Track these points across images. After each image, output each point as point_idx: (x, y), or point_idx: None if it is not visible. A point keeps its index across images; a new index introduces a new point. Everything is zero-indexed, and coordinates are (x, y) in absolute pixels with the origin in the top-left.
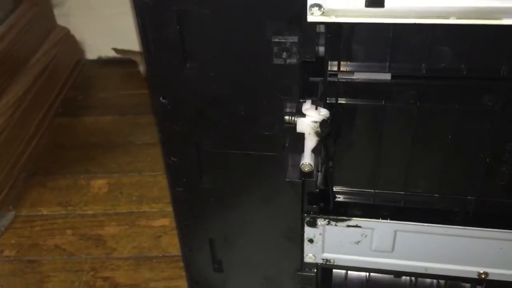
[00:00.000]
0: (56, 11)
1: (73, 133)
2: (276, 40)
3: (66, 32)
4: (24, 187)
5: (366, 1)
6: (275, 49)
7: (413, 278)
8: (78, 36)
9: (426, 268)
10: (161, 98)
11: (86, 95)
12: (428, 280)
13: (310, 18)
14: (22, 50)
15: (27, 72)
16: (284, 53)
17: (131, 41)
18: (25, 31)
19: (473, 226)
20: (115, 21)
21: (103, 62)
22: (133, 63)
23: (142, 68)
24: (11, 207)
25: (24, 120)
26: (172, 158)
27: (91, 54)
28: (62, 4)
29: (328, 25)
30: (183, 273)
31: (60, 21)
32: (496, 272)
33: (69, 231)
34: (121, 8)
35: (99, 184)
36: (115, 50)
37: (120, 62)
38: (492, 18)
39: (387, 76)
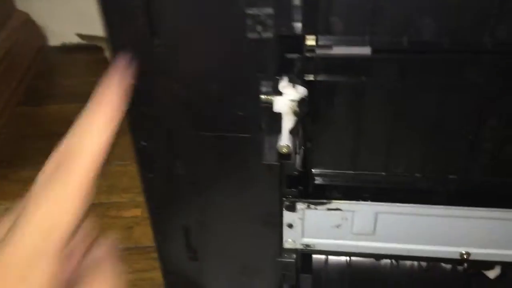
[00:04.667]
0: None
1: (37, 122)
2: (250, 12)
3: (26, 18)
4: None
5: None
6: (249, 22)
7: (394, 261)
8: (39, 22)
9: (408, 250)
10: None
11: (50, 83)
12: (408, 262)
13: None
14: None
15: None
16: (259, 27)
17: (96, 26)
18: None
19: (455, 206)
20: (79, 5)
21: (67, 49)
22: (99, 49)
23: (108, 54)
24: None
25: None
26: (142, 143)
27: (54, 40)
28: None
29: None
30: (157, 264)
31: (20, 5)
32: (478, 252)
33: None
34: None
35: None
36: (80, 35)
37: (85, 48)
38: None
39: (367, 50)
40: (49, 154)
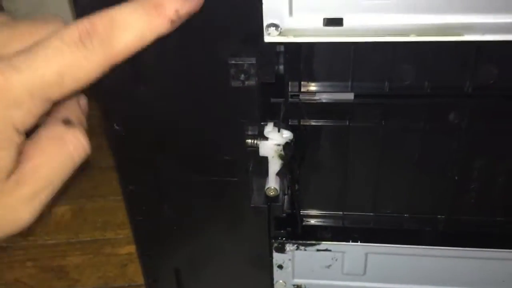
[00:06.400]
0: None
1: None
2: (233, 62)
3: None
4: None
5: (324, 20)
6: (232, 71)
7: None
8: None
9: None
10: (114, 125)
11: None
12: None
13: (267, 39)
14: None
15: None
16: (242, 75)
17: None
18: None
19: (444, 246)
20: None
21: None
22: None
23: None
24: None
25: None
26: (130, 187)
27: None
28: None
29: (286, 45)
30: None
31: None
32: None
33: (29, 263)
34: None
35: (61, 211)
36: None
37: None
38: (453, 35)
39: (350, 96)
40: None
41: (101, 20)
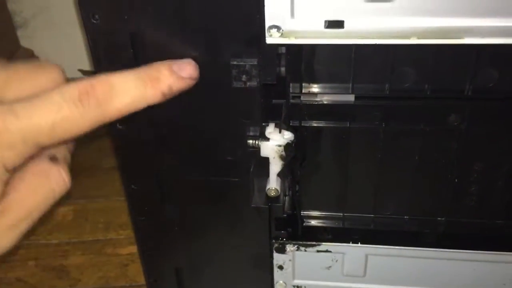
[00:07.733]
0: (19, 33)
1: None
2: (235, 63)
3: (30, 54)
4: None
5: (325, 23)
6: (234, 72)
7: None
8: (43, 58)
9: None
10: (117, 125)
11: None
12: None
13: (269, 40)
14: None
15: None
16: (244, 76)
17: None
18: None
19: (444, 248)
20: (81, 42)
21: None
22: None
23: None
24: None
25: None
26: (133, 186)
27: None
28: (26, 25)
29: (288, 46)
30: None
31: (24, 42)
32: None
33: (31, 262)
34: None
35: (63, 211)
36: (82, 71)
37: None
38: (453, 38)
39: (350, 98)
40: None
41: (101, 84)
